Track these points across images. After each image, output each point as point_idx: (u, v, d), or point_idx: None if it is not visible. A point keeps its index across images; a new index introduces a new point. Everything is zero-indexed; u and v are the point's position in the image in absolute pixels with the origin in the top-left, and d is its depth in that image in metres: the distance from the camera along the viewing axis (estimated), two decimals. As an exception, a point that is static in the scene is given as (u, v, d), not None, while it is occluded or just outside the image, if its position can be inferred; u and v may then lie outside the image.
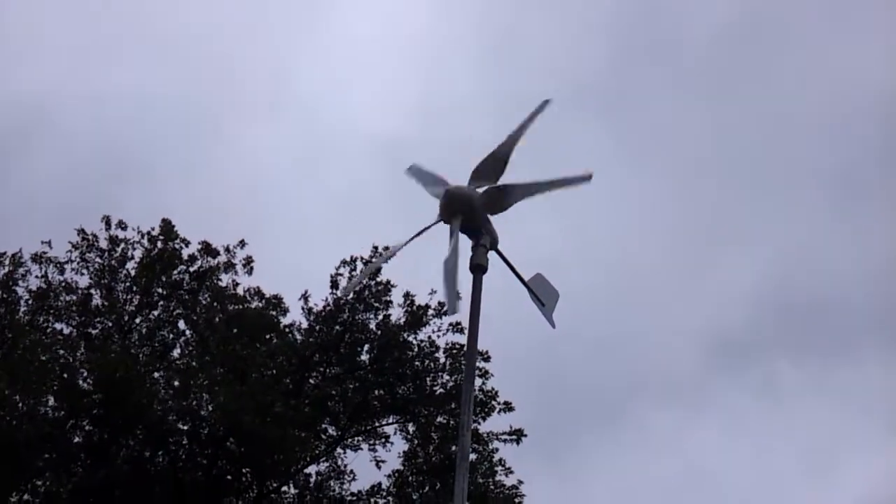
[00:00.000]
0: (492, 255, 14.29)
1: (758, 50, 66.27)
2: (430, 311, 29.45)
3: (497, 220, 14.36)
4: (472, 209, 14.10)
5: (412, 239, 14.29)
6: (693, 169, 64.58)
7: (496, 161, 14.16)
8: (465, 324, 14.63)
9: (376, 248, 29.23)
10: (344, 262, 29.71)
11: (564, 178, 14.21)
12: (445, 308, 14.32)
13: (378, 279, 29.73)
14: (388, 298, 29.75)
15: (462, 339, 29.32)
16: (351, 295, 29.06)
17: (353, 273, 29.61)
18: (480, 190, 14.35)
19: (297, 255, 47.08)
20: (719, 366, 60.24)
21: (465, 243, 14.25)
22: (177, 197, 54.06)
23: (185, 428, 27.24)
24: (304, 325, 30.16)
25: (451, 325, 29.39)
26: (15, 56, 62.45)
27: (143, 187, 54.18)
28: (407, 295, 29.43)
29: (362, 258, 29.55)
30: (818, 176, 64.72)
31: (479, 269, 13.93)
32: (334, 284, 29.76)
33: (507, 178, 14.31)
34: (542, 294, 15.08)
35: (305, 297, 30.13)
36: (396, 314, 29.64)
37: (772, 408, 57.18)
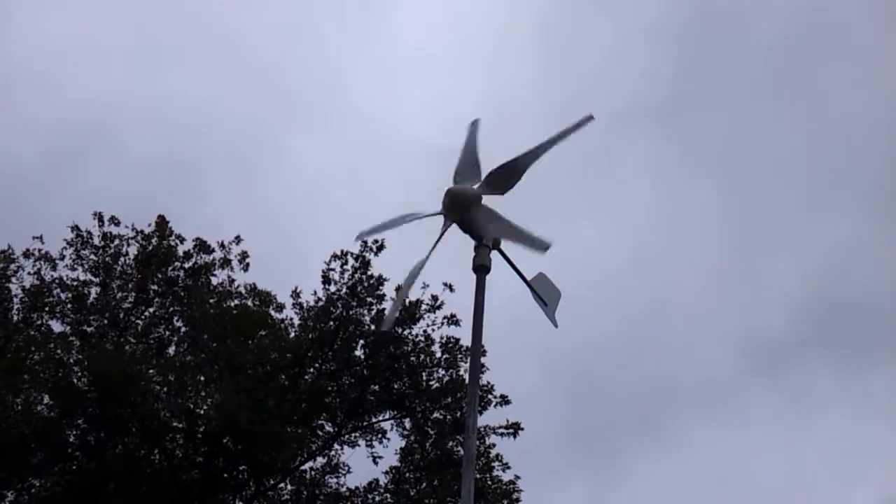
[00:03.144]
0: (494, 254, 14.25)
1: (814, 58, 66.48)
2: (424, 306, 29.43)
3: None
4: (473, 208, 14.08)
5: (432, 250, 14.19)
6: (738, 174, 64.60)
7: (510, 171, 14.10)
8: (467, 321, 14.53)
9: (365, 242, 29.12)
10: (335, 257, 29.69)
11: (567, 127, 14.12)
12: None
13: (370, 273, 29.65)
14: (381, 292, 29.68)
15: (457, 332, 29.37)
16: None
17: (345, 267, 29.56)
18: (477, 186, 14.32)
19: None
20: (758, 371, 60.14)
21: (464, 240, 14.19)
22: (229, 205, 53.55)
23: (181, 426, 27.17)
24: (297, 321, 30.15)
25: (445, 318, 29.41)
26: (71, 65, 62.07)
27: (195, 196, 53.86)
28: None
29: (351, 253, 29.56)
30: (861, 182, 64.87)
31: (482, 269, 13.89)
32: (326, 279, 29.67)
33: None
34: (544, 294, 15.06)
35: (297, 293, 30.13)
36: (390, 308, 29.58)
37: (809, 413, 57.20)
